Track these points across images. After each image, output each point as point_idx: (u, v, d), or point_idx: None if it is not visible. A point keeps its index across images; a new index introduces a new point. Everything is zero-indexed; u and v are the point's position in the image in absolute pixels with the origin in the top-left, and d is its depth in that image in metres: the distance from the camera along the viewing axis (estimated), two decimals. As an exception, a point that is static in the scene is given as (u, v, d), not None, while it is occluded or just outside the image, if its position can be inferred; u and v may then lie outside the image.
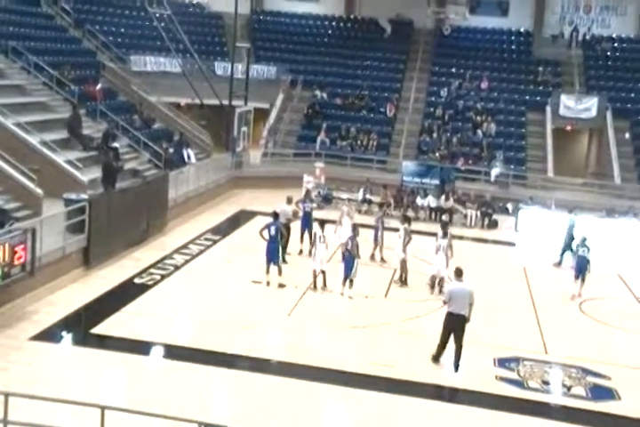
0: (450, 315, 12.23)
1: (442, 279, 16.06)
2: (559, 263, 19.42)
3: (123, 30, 32.39)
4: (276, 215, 16.33)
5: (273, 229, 15.84)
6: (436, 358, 12.46)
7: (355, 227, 16.77)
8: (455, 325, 12.19)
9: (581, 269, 16.65)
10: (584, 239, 16.89)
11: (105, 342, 12.49)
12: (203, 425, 8.03)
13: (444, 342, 12.35)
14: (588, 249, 16.70)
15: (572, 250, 19.05)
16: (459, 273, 12.49)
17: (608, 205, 24.68)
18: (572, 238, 19.28)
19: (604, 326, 15.12)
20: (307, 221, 18.56)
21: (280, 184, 24.96)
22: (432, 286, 16.19)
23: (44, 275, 14.00)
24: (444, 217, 23.27)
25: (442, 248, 16.03)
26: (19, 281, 12.91)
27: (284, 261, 16.92)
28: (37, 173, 16.97)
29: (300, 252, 18.26)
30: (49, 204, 16.52)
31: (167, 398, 10.41)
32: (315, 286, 15.78)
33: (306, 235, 18.35)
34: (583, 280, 16.67)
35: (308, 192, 20.94)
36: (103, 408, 8.02)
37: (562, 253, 19.41)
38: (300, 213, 18.90)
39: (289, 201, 18.23)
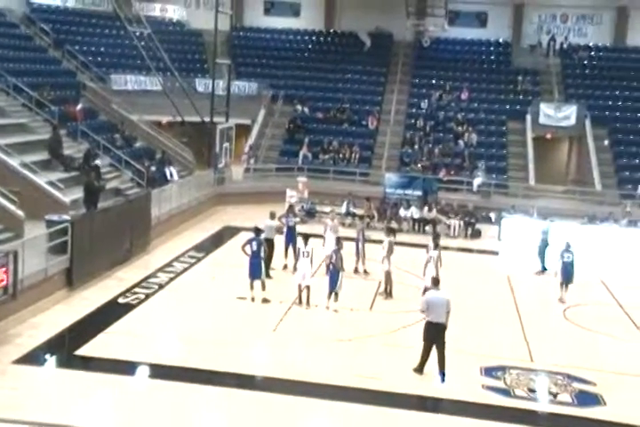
0: (429, 324, 12.31)
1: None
2: (542, 271, 19.55)
3: (102, 49, 32.51)
4: (257, 231, 16.34)
5: (255, 244, 15.83)
6: (419, 370, 12.47)
7: (339, 240, 16.82)
8: (435, 334, 12.26)
9: (567, 275, 16.79)
10: (568, 245, 17.03)
11: (89, 364, 12.41)
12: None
13: (428, 353, 12.39)
14: (572, 254, 16.85)
15: (543, 257, 19.30)
16: (435, 282, 12.66)
17: (589, 211, 24.89)
18: (546, 245, 19.54)
19: (588, 333, 15.21)
20: (290, 236, 18.59)
21: (263, 199, 25.01)
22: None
23: (27, 297, 13.89)
24: (429, 228, 23.40)
25: (432, 260, 16.17)
26: (1, 304, 12.81)
27: (268, 276, 16.92)
28: (18, 195, 16.90)
29: (285, 267, 18.26)
30: (30, 226, 16.42)
31: (154, 418, 10.37)
32: (300, 301, 15.77)
33: (290, 250, 18.37)
34: (567, 286, 16.81)
35: (291, 207, 20.99)
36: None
37: (541, 260, 19.59)
38: (284, 228, 18.92)
39: (272, 216, 18.26)
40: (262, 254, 15.91)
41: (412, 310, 15.56)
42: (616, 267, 20.89)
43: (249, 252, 15.81)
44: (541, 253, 19.68)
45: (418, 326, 14.20)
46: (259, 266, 15.76)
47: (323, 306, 15.57)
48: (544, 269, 19.57)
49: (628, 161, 29.70)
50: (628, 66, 34.71)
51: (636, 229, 23.29)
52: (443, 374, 12.29)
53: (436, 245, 16.53)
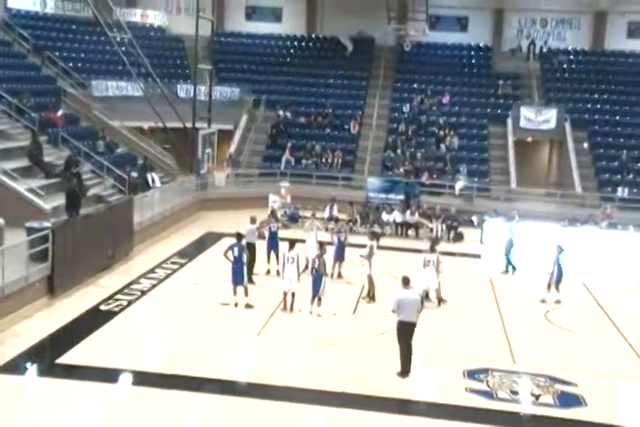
0: (401, 324, 12.43)
1: (437, 291, 16.62)
2: (506, 271, 19.91)
3: (83, 55, 32.41)
4: (239, 236, 16.31)
5: (236, 249, 15.79)
6: (404, 373, 12.52)
7: (322, 245, 16.84)
8: (408, 332, 12.42)
9: (561, 276, 17.04)
10: (560, 247, 17.18)
11: (72, 372, 12.31)
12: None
13: (409, 353, 12.48)
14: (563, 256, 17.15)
15: (509, 257, 19.80)
16: (406, 281, 12.73)
17: (570, 214, 25.09)
18: (512, 245, 19.87)
19: (570, 334, 15.34)
20: (272, 241, 18.58)
21: (246, 205, 24.98)
22: (439, 301, 16.63)
23: (8, 305, 13.82)
24: (412, 232, 23.49)
25: (431, 263, 16.48)
26: (-19, 313, 12.75)
27: (251, 281, 16.91)
28: (-2, 203, 16.83)
29: (268, 272, 18.25)
30: (11, 233, 16.31)
31: (137, 426, 10.31)
32: (285, 307, 15.75)
33: (272, 255, 18.37)
34: (558, 287, 17.08)
35: (273, 212, 20.98)
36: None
37: (507, 260, 19.91)
38: (266, 233, 18.90)
39: (253, 221, 18.25)
40: (244, 260, 15.89)
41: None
42: (597, 269, 21.07)
43: (231, 258, 15.78)
44: (507, 254, 19.95)
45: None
46: (241, 272, 15.75)
47: (306, 311, 15.57)
48: (512, 269, 19.93)
49: (607, 164, 29.97)
50: (607, 69, 35.12)
51: (615, 231, 23.48)
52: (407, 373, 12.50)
53: (433, 249, 16.81)
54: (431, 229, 24.13)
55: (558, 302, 17.18)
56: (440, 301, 16.65)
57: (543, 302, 17.23)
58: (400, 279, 12.90)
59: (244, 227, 17.78)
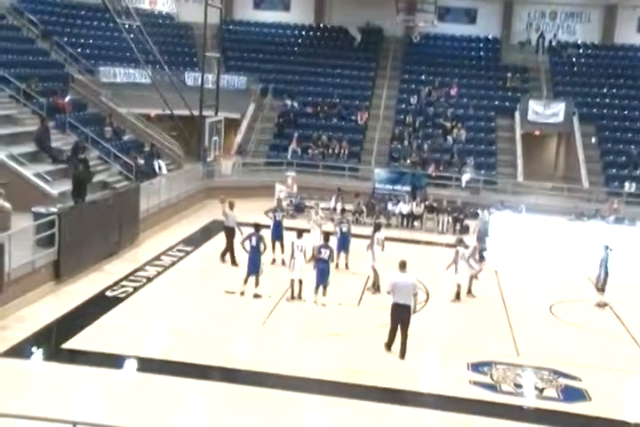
0: (396, 306, 12.81)
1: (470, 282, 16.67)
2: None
3: (91, 41, 32.33)
4: (257, 226, 16.30)
5: (254, 239, 15.83)
6: (388, 347, 13.01)
7: (327, 235, 16.83)
8: (401, 314, 12.73)
9: (607, 278, 16.70)
10: (608, 247, 16.86)
11: (77, 357, 12.36)
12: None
13: (394, 333, 12.92)
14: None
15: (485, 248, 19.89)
16: (402, 265, 13.05)
17: (577, 208, 25.01)
18: (486, 235, 20.22)
19: (575, 328, 15.32)
20: (277, 230, 18.56)
21: (252, 194, 24.97)
22: (457, 295, 16.46)
23: (14, 290, 13.83)
24: (418, 223, 23.43)
25: (464, 257, 16.35)
26: (-13, 297, 12.78)
27: (234, 263, 17.50)
28: (5, 188, 16.75)
29: (273, 261, 18.25)
30: (17, 218, 16.30)
31: (142, 412, 10.35)
32: (292, 295, 15.75)
33: (277, 244, 18.39)
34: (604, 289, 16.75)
35: (279, 201, 20.98)
36: (75, 424, 7.92)
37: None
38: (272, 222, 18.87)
39: (231, 206, 18.44)
40: (262, 250, 15.96)
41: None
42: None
43: (248, 247, 15.80)
44: (482, 244, 19.90)
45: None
46: (258, 261, 15.77)
47: (310, 301, 15.58)
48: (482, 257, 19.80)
49: (614, 158, 29.85)
50: (616, 64, 34.90)
51: (622, 226, 23.41)
52: (403, 354, 12.78)
53: (461, 242, 16.61)
54: (437, 222, 24.11)
55: (600, 304, 16.65)
56: (459, 294, 16.48)
57: (600, 305, 16.65)
58: (398, 263, 13.12)
59: (225, 211, 18.23)
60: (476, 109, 32.69)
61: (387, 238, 17.64)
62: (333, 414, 11.00)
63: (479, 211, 24.16)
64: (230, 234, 18.06)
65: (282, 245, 18.15)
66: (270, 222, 18.92)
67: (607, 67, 34.76)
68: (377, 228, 17.58)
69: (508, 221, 23.28)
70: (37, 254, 14.90)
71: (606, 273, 16.79)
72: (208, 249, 20.00)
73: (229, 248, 18.09)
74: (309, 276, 15.80)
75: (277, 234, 18.50)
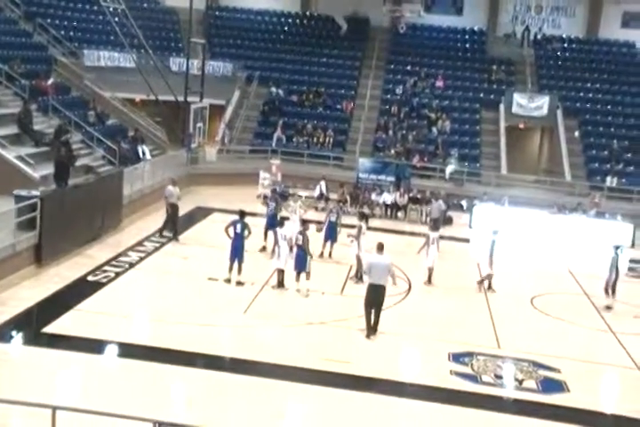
0: (371, 286, 13.20)
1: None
2: None
3: (75, 24, 31.87)
4: (242, 213, 16.19)
5: (239, 226, 15.70)
6: (367, 334, 13.20)
7: (304, 222, 16.81)
8: (375, 294, 13.08)
9: (617, 279, 16.38)
10: (618, 248, 16.66)
11: (57, 342, 12.25)
12: (158, 424, 7.95)
13: (369, 315, 13.24)
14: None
15: None
16: (380, 247, 13.47)
17: (559, 201, 25.19)
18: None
19: (555, 321, 15.44)
20: (272, 221, 18.24)
21: (236, 181, 24.91)
22: (429, 279, 17.05)
23: (-6, 273, 13.72)
24: (401, 214, 23.48)
25: (435, 241, 16.97)
26: (-33, 280, 12.63)
27: (162, 234, 18.58)
28: (-14, 170, 16.63)
29: (263, 248, 18.17)
30: (-1, 201, 16.17)
31: (122, 398, 10.28)
32: (278, 284, 15.72)
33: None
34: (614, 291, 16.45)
35: (274, 191, 21.14)
36: (54, 408, 7.87)
37: None
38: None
39: (174, 183, 19.17)
40: (245, 236, 15.79)
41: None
42: (583, 257, 21.21)
43: (232, 234, 15.69)
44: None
45: (389, 311, 14.34)
46: (242, 248, 15.67)
47: (293, 289, 15.57)
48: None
49: (597, 153, 30.06)
50: (600, 58, 35.10)
51: (603, 220, 23.63)
52: (369, 334, 13.13)
53: (437, 228, 17.35)
54: (420, 212, 24.19)
55: (609, 307, 16.38)
56: (430, 278, 17.03)
57: (608, 308, 16.34)
58: (375, 244, 13.47)
59: (167, 189, 19.06)
60: (460, 101, 32.75)
61: (369, 228, 17.66)
62: (313, 402, 11.01)
63: (468, 202, 24.40)
64: (175, 210, 19.07)
65: (275, 235, 18.07)
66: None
67: (591, 61, 34.95)
68: (364, 217, 17.60)
69: (491, 213, 23.44)
70: (18, 238, 14.77)
71: (617, 275, 16.39)
72: (191, 236, 19.91)
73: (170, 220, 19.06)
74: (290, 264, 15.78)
75: (272, 224, 18.25)
